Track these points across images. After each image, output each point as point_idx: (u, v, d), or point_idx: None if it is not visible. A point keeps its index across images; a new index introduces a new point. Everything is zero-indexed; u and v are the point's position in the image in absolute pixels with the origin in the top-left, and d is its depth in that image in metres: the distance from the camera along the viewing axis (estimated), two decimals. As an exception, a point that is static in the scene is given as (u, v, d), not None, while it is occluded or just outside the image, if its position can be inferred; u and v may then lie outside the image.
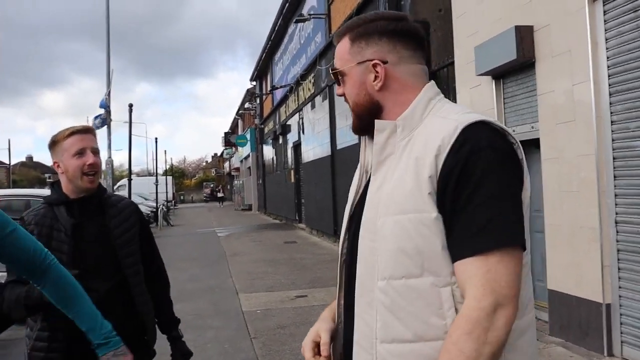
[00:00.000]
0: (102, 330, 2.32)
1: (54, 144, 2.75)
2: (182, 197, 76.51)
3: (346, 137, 15.15)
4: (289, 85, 22.05)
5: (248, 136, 40.09)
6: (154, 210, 32.48)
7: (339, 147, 15.87)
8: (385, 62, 1.62)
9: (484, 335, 1.37)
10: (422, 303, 1.46)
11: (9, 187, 56.45)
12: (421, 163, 1.48)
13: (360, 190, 1.70)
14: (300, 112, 20.71)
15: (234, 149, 54.26)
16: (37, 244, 2.24)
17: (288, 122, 23.77)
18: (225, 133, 57.21)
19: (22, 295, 2.47)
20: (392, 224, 1.51)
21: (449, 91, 9.12)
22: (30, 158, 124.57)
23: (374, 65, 1.62)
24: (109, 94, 15.50)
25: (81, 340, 2.34)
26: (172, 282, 3.31)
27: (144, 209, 29.87)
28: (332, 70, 1.72)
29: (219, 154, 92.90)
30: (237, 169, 59.11)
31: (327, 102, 16.77)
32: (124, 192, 26.01)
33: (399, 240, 1.49)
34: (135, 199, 30.05)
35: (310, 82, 18.47)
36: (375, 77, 1.62)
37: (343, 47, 1.68)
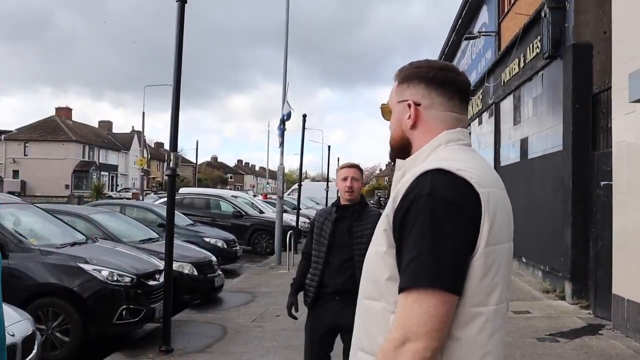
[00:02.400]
0: None
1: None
2: (353, 204, 77.92)
3: (510, 155, 15.13)
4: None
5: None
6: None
7: (502, 164, 15.84)
8: (418, 105, 1.81)
9: None
10: (376, 324, 1.68)
11: (194, 186, 60.52)
12: (390, 203, 1.69)
13: None
14: (469, 127, 20.74)
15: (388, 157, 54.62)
16: None
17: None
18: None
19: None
20: (369, 252, 1.77)
21: (608, 115, 9.04)
22: (215, 158, 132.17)
23: (409, 105, 1.82)
24: (287, 104, 16.45)
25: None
26: None
27: (313, 213, 31.18)
28: (381, 105, 1.97)
29: (392, 164, 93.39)
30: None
31: (492, 119, 16.79)
32: (295, 196, 27.35)
33: (367, 266, 1.75)
34: (306, 202, 31.40)
35: (479, 98, 18.53)
36: (409, 117, 1.82)
37: (394, 86, 1.91)
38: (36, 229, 8.47)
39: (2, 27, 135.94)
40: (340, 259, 4.36)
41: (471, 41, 19.24)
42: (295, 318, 4.66)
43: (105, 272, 7.32)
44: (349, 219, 4.44)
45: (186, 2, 7.42)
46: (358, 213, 4.46)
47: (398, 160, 1.87)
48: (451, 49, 23.75)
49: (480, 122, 18.79)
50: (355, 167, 4.61)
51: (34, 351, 5.20)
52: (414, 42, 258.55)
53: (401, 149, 1.87)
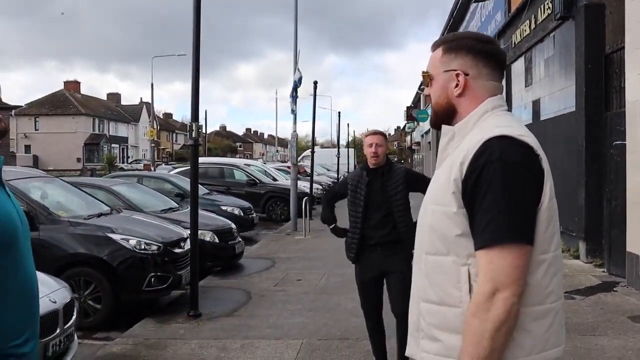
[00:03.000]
0: None
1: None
2: (363, 169, 78.03)
3: (521, 117, 15.18)
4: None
5: (429, 111, 40.28)
6: (335, 181, 33.85)
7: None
8: (466, 74, 1.97)
9: (484, 314, 1.71)
10: (445, 276, 1.86)
11: (204, 155, 60.84)
12: (454, 166, 1.85)
13: None
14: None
15: (415, 123, 54.52)
16: None
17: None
18: (408, 107, 57.57)
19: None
20: (430, 211, 1.93)
21: (620, 75, 9.11)
22: (223, 127, 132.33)
23: (457, 75, 1.97)
24: (298, 70, 16.53)
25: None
26: (345, 249, 4.77)
27: (324, 179, 31.35)
28: (423, 73, 2.09)
29: (401, 127, 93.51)
30: (418, 143, 59.42)
31: (503, 81, 16.77)
32: (307, 163, 27.50)
33: (433, 225, 1.91)
34: (317, 169, 31.55)
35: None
36: (456, 85, 1.97)
37: (436, 55, 2.04)
38: (62, 201, 8.69)
39: (2, 2, 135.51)
40: (379, 215, 4.92)
41: (480, 3, 19.17)
42: (345, 232, 5.32)
43: (132, 241, 7.55)
44: (380, 179, 4.98)
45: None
46: (387, 173, 5.00)
47: (444, 127, 2.03)
48: (459, 11, 23.66)
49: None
50: (379, 133, 5.13)
51: (74, 317, 5.43)
52: (421, 4, 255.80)
53: (446, 115, 2.03)
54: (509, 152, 1.77)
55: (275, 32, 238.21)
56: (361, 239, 5.00)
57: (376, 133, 5.10)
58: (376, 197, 4.94)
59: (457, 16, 24.18)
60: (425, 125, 44.54)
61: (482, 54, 1.98)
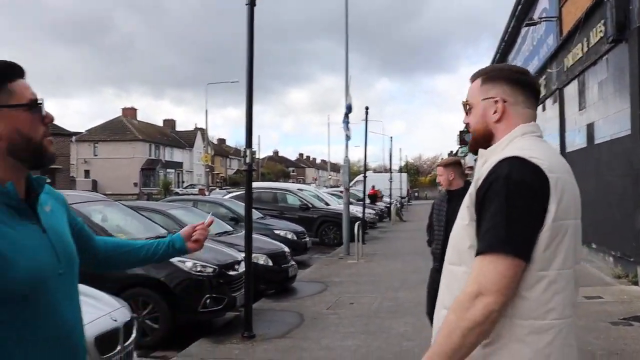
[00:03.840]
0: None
1: None
2: (416, 194, 77.80)
3: (575, 141, 15.03)
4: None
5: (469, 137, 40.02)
6: (388, 205, 33.83)
7: (567, 150, 15.74)
8: (504, 101, 2.13)
9: (463, 313, 1.84)
10: (457, 285, 1.98)
11: (257, 180, 61.47)
12: (472, 185, 2.03)
13: None
14: (532, 114, 20.59)
15: (467, 147, 54.07)
16: None
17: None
18: (460, 132, 57.16)
19: None
20: (455, 225, 2.12)
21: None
22: (276, 152, 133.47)
23: (496, 102, 2.13)
24: (348, 100, 16.75)
25: None
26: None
27: (378, 203, 31.40)
28: (463, 102, 2.25)
29: (454, 152, 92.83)
30: (471, 168, 58.83)
31: (557, 105, 16.69)
32: (360, 188, 27.63)
33: (452, 237, 2.11)
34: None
35: (541, 84, 18.41)
36: (495, 111, 2.13)
37: (475, 85, 2.20)
38: (122, 224, 9.01)
39: (64, 32, 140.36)
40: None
41: (532, 27, 19.10)
42: None
43: (189, 263, 7.77)
44: (457, 199, 5.28)
45: (255, 5, 7.71)
46: (463, 194, 5.39)
47: (480, 150, 2.19)
48: (511, 35, 23.56)
49: (544, 109, 18.65)
50: (440, 165, 6.11)
51: (133, 335, 5.63)
52: (473, 28, 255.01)
53: (484, 140, 2.18)
54: (516, 171, 1.90)
55: (327, 57, 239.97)
56: (442, 252, 5.29)
57: (439, 164, 6.15)
58: (454, 214, 5.21)
59: (509, 40, 24.10)
60: (478, 149, 44.14)
61: (519, 83, 2.14)
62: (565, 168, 2.02)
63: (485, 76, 2.18)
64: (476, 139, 2.21)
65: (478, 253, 1.90)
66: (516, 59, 23.97)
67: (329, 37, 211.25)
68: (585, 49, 13.18)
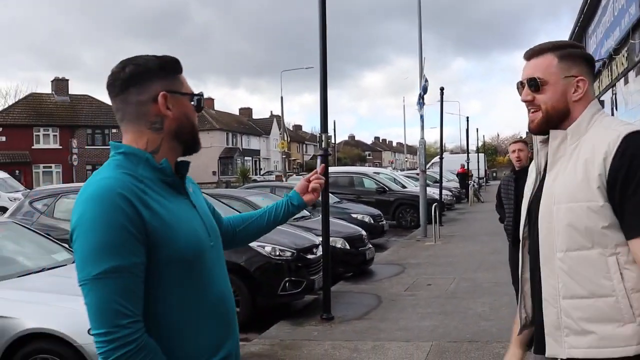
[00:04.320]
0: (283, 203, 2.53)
1: None
2: (494, 174, 76.40)
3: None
4: (601, 60, 21.28)
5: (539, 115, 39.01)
6: (464, 188, 33.40)
7: (652, 123, 15.19)
8: (585, 81, 2.11)
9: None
10: (593, 269, 1.95)
11: (334, 165, 61.70)
12: (590, 164, 1.96)
13: (536, 187, 2.22)
14: (614, 88, 19.92)
15: (531, 125, 52.64)
16: None
17: (602, 98, 22.91)
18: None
19: None
20: (565, 209, 2.00)
21: None
22: (352, 137, 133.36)
23: (579, 81, 2.10)
24: (424, 77, 16.66)
25: None
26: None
27: (453, 185, 31.08)
28: (531, 79, 2.13)
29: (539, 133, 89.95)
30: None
31: (639, 77, 16.08)
32: (436, 170, 27.41)
33: (572, 221, 1.98)
34: (447, 175, 31.32)
35: (623, 56, 17.74)
36: (576, 90, 2.09)
37: (548, 61, 2.11)
38: (202, 211, 9.27)
39: (141, 28, 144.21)
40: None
41: (612, -3, 18.42)
42: None
43: (268, 248, 7.96)
44: (524, 178, 5.69)
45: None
46: (527, 172, 5.98)
47: (552, 131, 2.13)
48: (590, 6, 22.77)
49: (626, 82, 17.99)
50: (520, 141, 6.41)
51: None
52: (552, 1, 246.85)
53: (559, 119, 2.12)
54: None
55: (401, 38, 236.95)
56: (515, 228, 5.77)
57: (517, 141, 6.44)
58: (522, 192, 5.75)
59: (588, 12, 23.32)
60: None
61: (590, 62, 2.17)
62: None
63: (562, 52, 2.12)
64: (551, 118, 2.13)
65: (635, 236, 1.90)
66: (596, 31, 23.20)
67: (402, 18, 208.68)
68: (669, 18, 12.64)
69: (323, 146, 7.80)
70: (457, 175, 34.15)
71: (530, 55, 2.18)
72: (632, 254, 1.90)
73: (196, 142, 2.03)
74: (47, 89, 58.80)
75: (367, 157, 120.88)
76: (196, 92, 2.02)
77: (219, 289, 1.97)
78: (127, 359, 1.65)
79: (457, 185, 32.17)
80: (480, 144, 57.06)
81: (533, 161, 2.33)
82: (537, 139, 2.24)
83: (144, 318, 1.74)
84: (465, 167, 34.60)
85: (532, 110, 2.16)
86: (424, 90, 16.87)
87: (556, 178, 2.08)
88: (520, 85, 2.18)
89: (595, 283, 1.95)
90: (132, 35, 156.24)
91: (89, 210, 1.72)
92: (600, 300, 1.95)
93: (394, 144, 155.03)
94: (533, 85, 2.13)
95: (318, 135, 8.08)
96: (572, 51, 2.13)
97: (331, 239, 8.52)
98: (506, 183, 6.49)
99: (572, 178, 2.01)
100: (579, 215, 1.97)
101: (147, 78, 1.90)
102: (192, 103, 2.00)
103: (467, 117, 33.33)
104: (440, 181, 20.05)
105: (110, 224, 1.69)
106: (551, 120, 2.13)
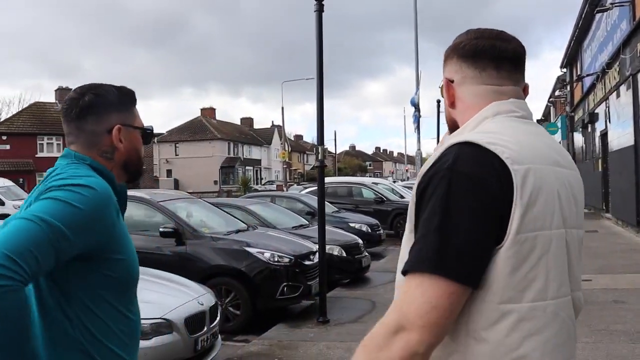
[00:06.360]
0: None
1: None
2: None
3: (650, 127, 14.90)
4: (595, 74, 21.76)
5: (559, 124, 39.47)
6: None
7: (642, 136, 15.61)
8: (451, 81, 1.63)
9: (375, 352, 1.36)
10: None
11: (334, 175, 61.99)
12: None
13: None
14: (607, 101, 20.37)
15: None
16: None
17: (596, 111, 23.38)
18: (537, 120, 56.21)
19: None
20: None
21: None
22: (353, 147, 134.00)
23: (446, 84, 1.65)
24: (417, 93, 17.10)
25: None
26: None
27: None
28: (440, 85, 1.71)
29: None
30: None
31: (630, 91, 16.51)
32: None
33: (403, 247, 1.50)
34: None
35: (615, 70, 18.20)
36: (448, 95, 1.65)
37: None
38: (205, 219, 9.71)
39: (143, 35, 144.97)
40: None
41: (606, 13, 18.89)
42: None
43: (267, 254, 8.37)
44: None
45: (323, 12, 8.17)
46: None
47: (443, 137, 1.72)
48: (585, 21, 23.27)
49: (618, 95, 18.45)
50: None
51: (217, 318, 6.27)
52: (553, 11, 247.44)
53: (452, 127, 1.69)
54: (463, 161, 1.38)
55: (402, 48, 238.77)
56: None
57: None
58: None
59: (583, 26, 23.82)
60: (556, 138, 43.44)
61: (465, 55, 1.62)
62: (547, 158, 1.48)
63: (446, 50, 1.70)
64: (449, 129, 1.72)
65: (404, 272, 1.38)
66: (591, 45, 23.67)
67: (404, 28, 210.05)
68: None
69: (319, 158, 8.21)
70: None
71: None
72: None
73: (140, 173, 2.14)
74: (49, 96, 59.44)
75: (368, 167, 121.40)
76: (146, 125, 2.13)
77: (138, 316, 2.04)
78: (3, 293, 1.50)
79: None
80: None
81: None
82: None
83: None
84: None
85: None
86: (412, 103, 17.27)
87: None
88: None
89: None
90: (134, 43, 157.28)
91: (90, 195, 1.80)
92: None
93: (395, 154, 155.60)
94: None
95: (314, 148, 8.49)
96: (449, 47, 1.71)
97: (328, 246, 8.93)
98: None
99: None
100: (403, 240, 1.57)
101: (104, 109, 1.99)
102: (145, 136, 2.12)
103: (466, 129, 33.56)
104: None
105: (94, 212, 1.78)
106: (450, 131, 1.76)
